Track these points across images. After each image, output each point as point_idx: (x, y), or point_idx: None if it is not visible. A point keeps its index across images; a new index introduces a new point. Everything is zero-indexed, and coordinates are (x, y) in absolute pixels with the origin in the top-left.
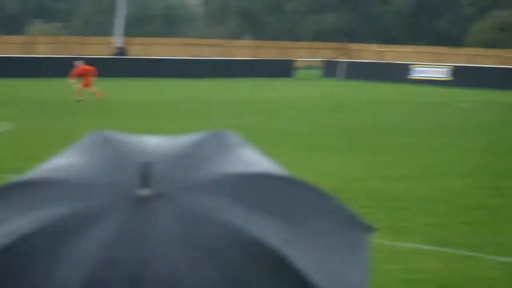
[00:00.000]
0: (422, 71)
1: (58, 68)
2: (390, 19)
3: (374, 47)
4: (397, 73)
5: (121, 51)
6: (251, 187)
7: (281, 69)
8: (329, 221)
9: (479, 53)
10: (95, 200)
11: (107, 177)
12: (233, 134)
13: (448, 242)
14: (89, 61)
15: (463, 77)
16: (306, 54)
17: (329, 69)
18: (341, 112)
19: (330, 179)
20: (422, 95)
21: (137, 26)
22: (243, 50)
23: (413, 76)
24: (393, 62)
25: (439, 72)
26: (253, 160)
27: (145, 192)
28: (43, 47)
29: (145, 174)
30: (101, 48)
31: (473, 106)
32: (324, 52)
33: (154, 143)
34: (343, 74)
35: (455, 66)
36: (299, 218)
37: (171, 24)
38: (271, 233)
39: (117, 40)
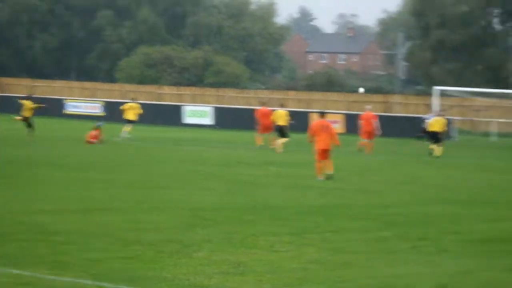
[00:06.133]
0: (76, 106)
1: None
2: (38, 54)
3: (26, 81)
4: (52, 108)
5: None
6: None
7: None
8: None
9: (132, 89)
10: None
11: None
12: None
13: (105, 277)
14: None
15: (117, 112)
16: None
17: None
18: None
19: None
20: (76, 129)
21: None
22: None
23: (67, 111)
24: (45, 97)
25: (93, 107)
26: None
27: None
28: None
29: None
30: None
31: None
32: None
33: None
34: None
35: (107, 101)
36: None
37: None
38: None
39: None
